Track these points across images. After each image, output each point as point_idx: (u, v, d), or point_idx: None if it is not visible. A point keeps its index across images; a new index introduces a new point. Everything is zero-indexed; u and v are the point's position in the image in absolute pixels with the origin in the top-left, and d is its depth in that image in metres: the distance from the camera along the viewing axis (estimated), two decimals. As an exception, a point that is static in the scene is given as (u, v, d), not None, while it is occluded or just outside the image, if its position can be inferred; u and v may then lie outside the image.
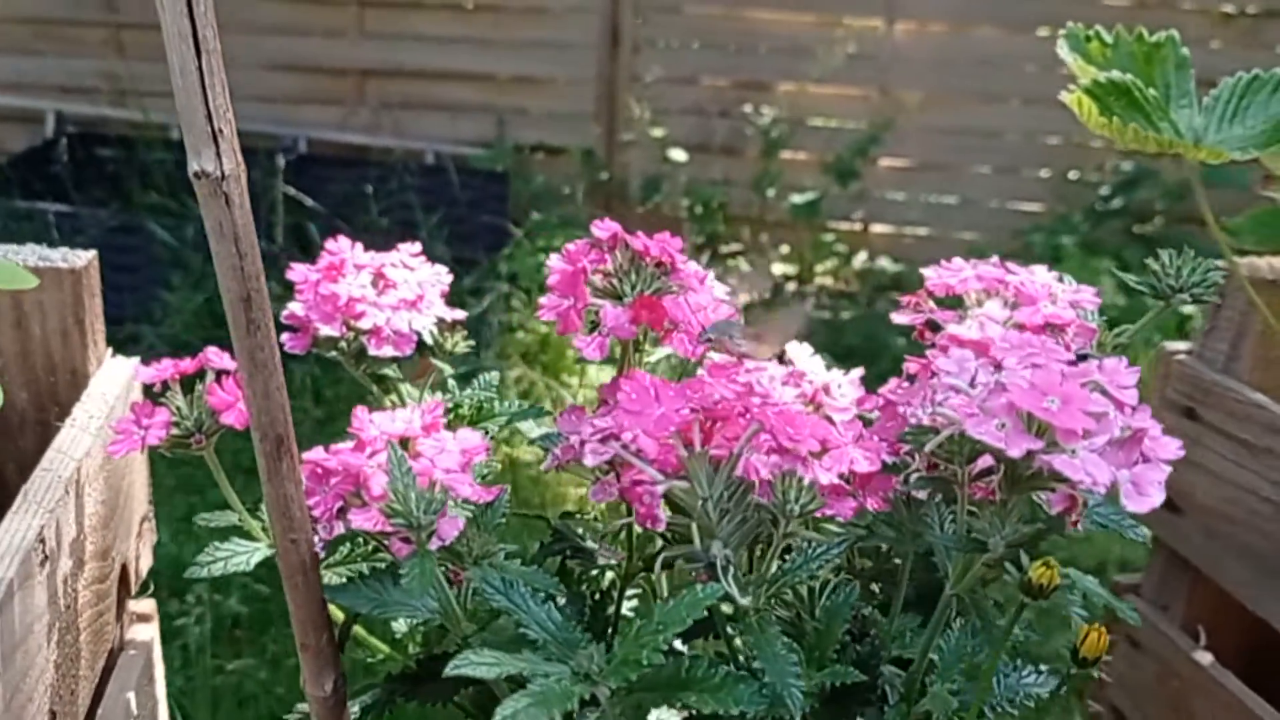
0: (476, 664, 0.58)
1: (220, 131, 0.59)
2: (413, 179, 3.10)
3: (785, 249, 3.55)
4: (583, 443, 0.70)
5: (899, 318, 0.76)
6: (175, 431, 0.71)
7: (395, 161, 3.34)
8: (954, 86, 3.50)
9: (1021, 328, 0.71)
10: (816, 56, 3.43)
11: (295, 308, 0.85)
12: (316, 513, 0.68)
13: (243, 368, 0.63)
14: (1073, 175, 3.48)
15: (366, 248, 0.87)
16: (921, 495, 0.69)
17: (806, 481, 0.61)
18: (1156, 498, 0.56)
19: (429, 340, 0.87)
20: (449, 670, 0.58)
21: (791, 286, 3.50)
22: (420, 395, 0.90)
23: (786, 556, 0.66)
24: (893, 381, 0.79)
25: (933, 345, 0.75)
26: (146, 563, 0.90)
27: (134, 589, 0.87)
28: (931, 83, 3.49)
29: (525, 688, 0.58)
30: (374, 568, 0.73)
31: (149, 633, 0.91)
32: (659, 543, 0.85)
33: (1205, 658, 0.97)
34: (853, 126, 3.50)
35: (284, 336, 0.87)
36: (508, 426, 0.89)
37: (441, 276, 0.89)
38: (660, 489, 0.60)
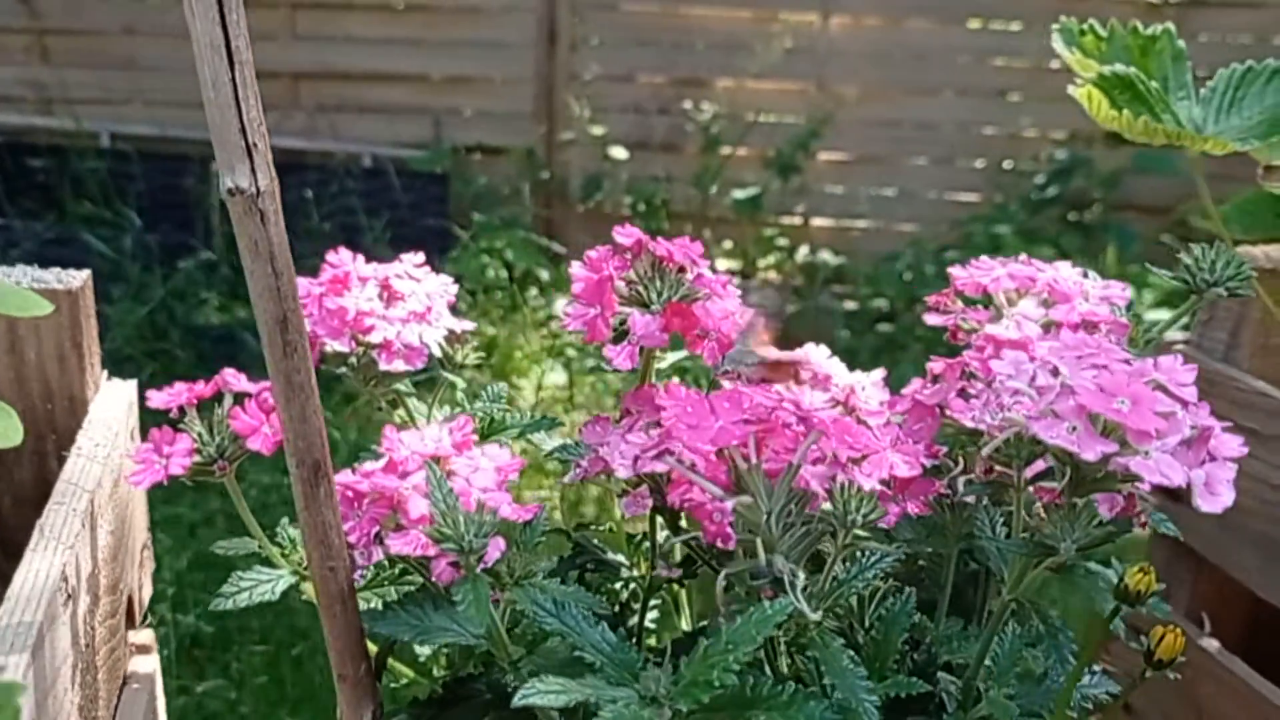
0: (545, 692, 0.56)
1: (255, 146, 0.57)
2: (354, 183, 3.05)
3: (728, 244, 3.55)
4: (624, 455, 0.68)
5: (931, 319, 0.76)
6: (197, 459, 0.68)
7: (334, 165, 3.28)
8: (889, 79, 3.53)
9: (1058, 326, 0.71)
10: (754, 52, 3.44)
11: (300, 323, 0.82)
12: (352, 539, 0.66)
13: (278, 391, 0.60)
14: (1007, 165, 3.53)
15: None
16: (969, 499, 0.68)
17: (866, 490, 0.60)
18: (1228, 496, 0.56)
19: (438, 353, 0.85)
20: (517, 700, 0.56)
21: (736, 282, 3.50)
22: (429, 410, 0.88)
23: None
24: (916, 382, 0.78)
25: (966, 346, 0.75)
26: (148, 591, 0.86)
27: (138, 620, 0.84)
28: (867, 76, 3.51)
29: (584, 712, 0.57)
30: (408, 593, 0.71)
31: (150, 664, 0.87)
32: (678, 554, 0.85)
33: (1212, 643, 0.98)
34: (791, 121, 3.51)
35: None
36: (520, 438, 0.87)
37: (448, 287, 0.87)
38: (729, 505, 0.58)
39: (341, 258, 0.86)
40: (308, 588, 0.75)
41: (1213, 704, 0.98)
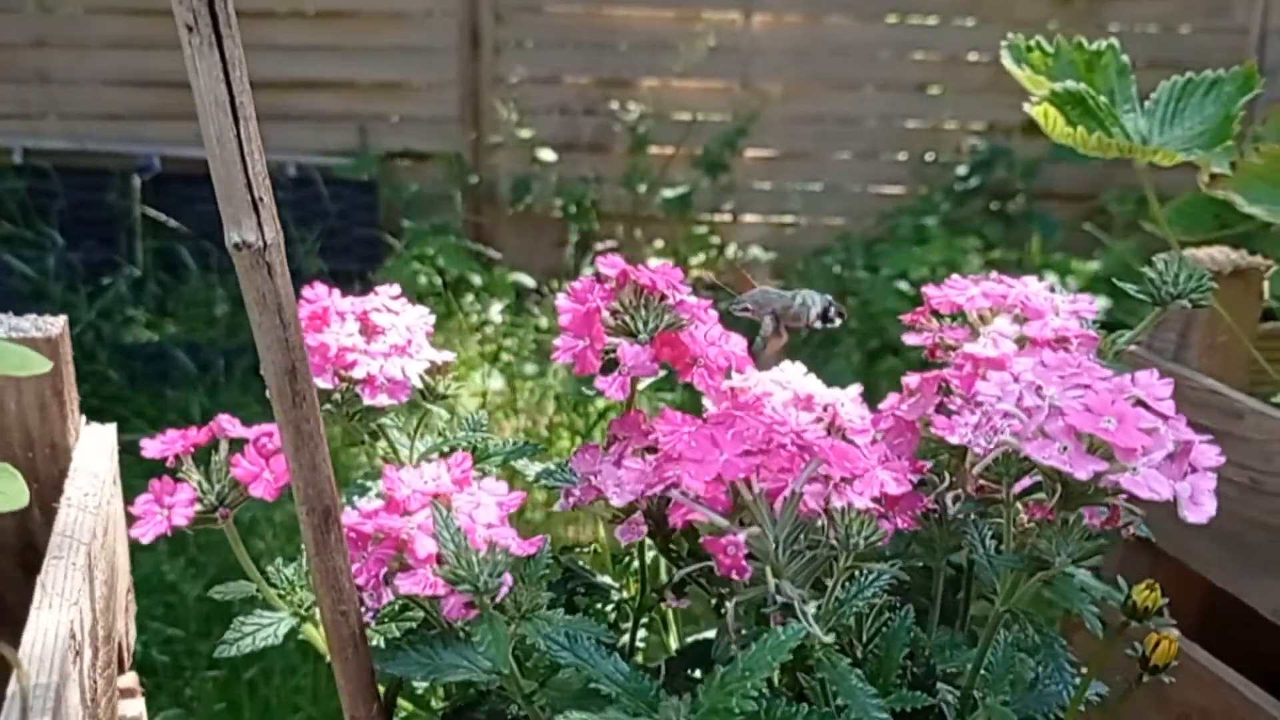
0: (571, 726, 0.57)
1: (260, 200, 0.57)
2: (282, 193, 3.01)
3: (660, 243, 3.57)
4: (621, 483, 0.70)
5: (911, 339, 0.78)
6: (198, 508, 0.68)
7: (259, 176, 3.23)
8: (812, 76, 3.58)
9: (1032, 342, 0.74)
10: (678, 51, 3.46)
11: (280, 361, 0.82)
12: (360, 580, 0.66)
13: (288, 440, 0.61)
14: (929, 157, 3.59)
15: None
16: (958, 514, 0.71)
17: (862, 512, 0.62)
18: (1211, 506, 0.59)
19: (419, 384, 0.85)
20: (546, 737, 0.57)
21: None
22: (412, 443, 0.88)
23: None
24: (893, 397, 0.81)
25: (944, 364, 0.77)
26: (133, 635, 0.86)
27: (126, 665, 0.83)
28: (790, 73, 3.55)
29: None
30: (415, 631, 0.72)
31: (137, 708, 0.87)
32: (664, 576, 0.87)
33: (1173, 632, 1.02)
34: (718, 119, 3.54)
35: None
36: (504, 465, 0.88)
37: (425, 318, 0.87)
38: (741, 539, 0.60)
39: (318, 293, 0.86)
40: (309, 630, 0.75)
41: (1174, 689, 1.02)
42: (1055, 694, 0.68)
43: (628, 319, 0.77)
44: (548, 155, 3.49)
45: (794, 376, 0.83)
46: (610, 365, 0.76)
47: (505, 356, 2.99)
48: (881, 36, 3.54)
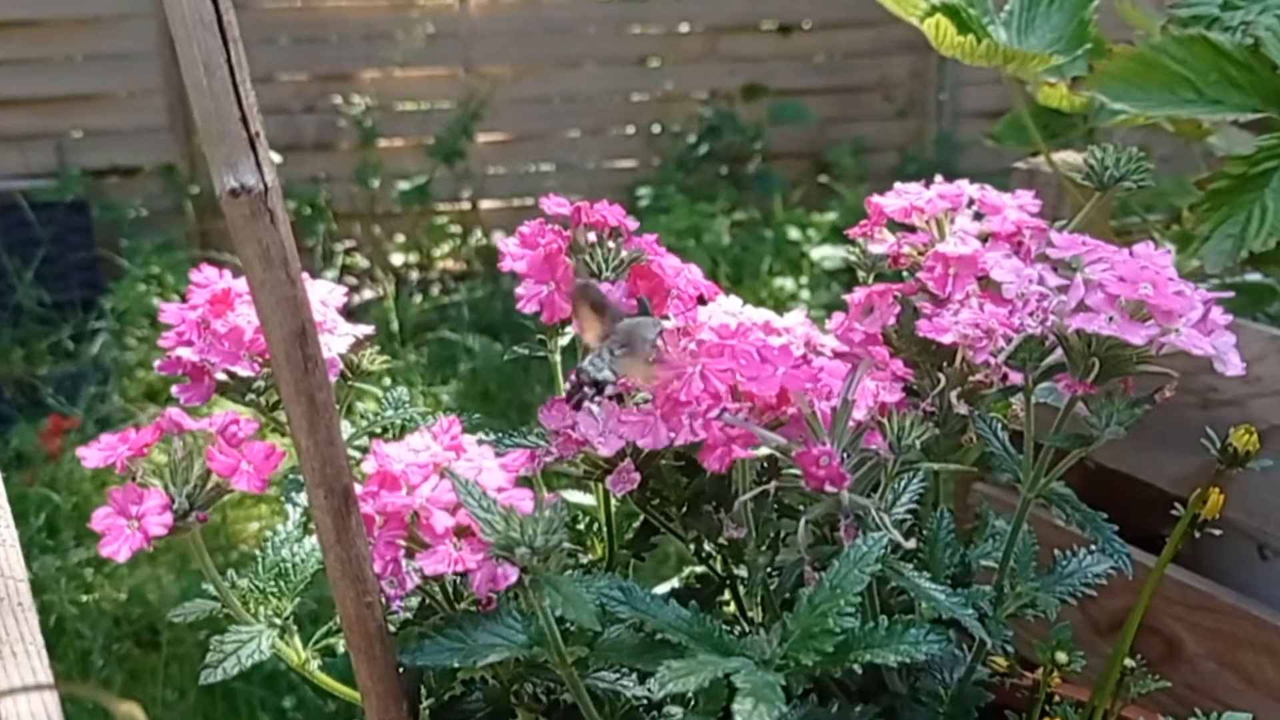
0: (678, 676, 0.53)
1: (257, 136, 0.49)
2: (-14, 221, 2.72)
3: (401, 238, 3.46)
4: (611, 431, 0.66)
5: (875, 249, 0.77)
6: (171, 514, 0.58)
7: (-47, 206, 2.91)
8: (534, 56, 3.55)
9: (994, 236, 0.74)
10: (396, 40, 3.35)
11: (184, 353, 0.73)
12: (377, 568, 0.59)
13: (299, 415, 0.53)
14: (656, 129, 3.64)
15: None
16: (961, 411, 0.70)
17: (914, 418, 0.61)
18: (1239, 362, 0.61)
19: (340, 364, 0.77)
20: (660, 692, 0.52)
21: (415, 275, 3.42)
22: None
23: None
24: (839, 316, 0.79)
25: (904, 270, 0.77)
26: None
27: None
28: (512, 55, 3.51)
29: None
30: (406, 621, 0.65)
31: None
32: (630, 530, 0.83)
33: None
34: (445, 107, 3.46)
35: (174, 389, 0.75)
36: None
37: (335, 292, 0.80)
38: (831, 447, 0.57)
39: (209, 275, 0.77)
40: (281, 645, 0.67)
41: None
42: (1078, 574, 0.69)
43: (588, 258, 0.72)
44: (271, 157, 3.30)
45: (736, 307, 0.80)
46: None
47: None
48: (597, 12, 3.55)
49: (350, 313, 0.80)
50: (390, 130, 3.43)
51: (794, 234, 3.22)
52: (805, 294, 3.09)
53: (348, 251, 3.34)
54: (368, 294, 3.30)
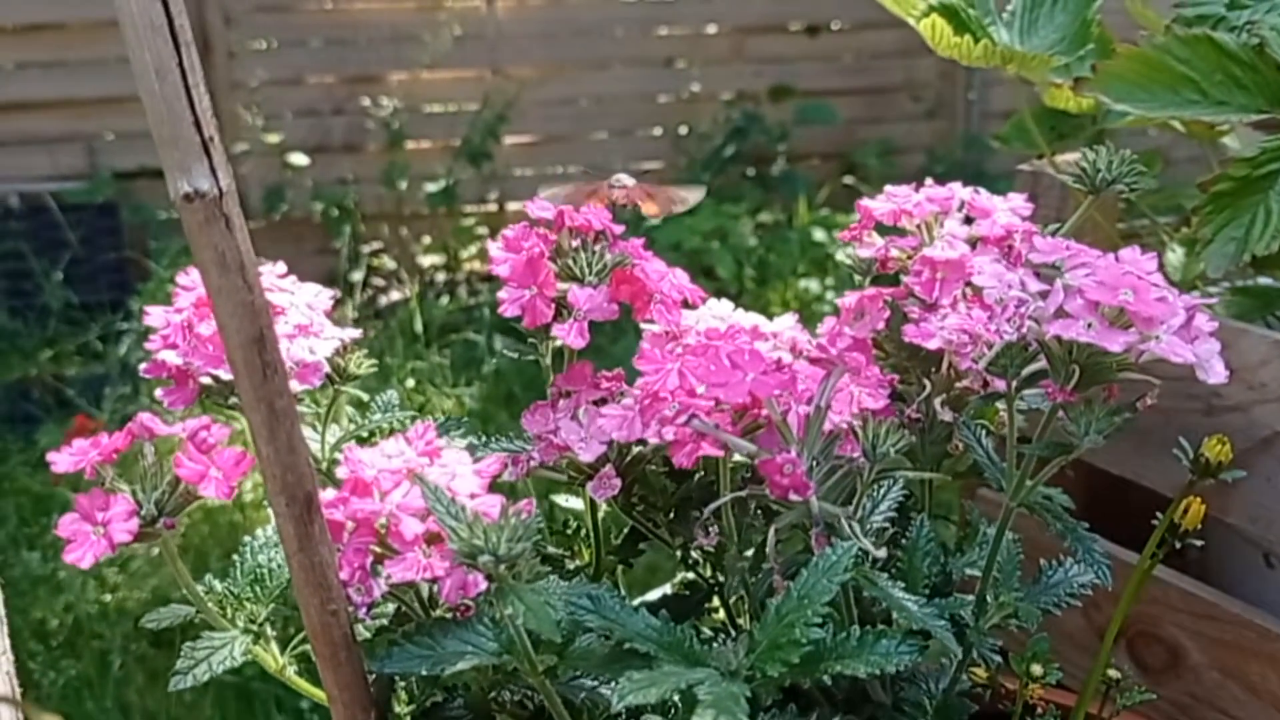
0: (638, 689, 0.52)
1: (211, 140, 0.49)
2: (16, 224, 2.75)
3: (428, 240, 3.47)
4: (592, 435, 0.65)
5: (863, 253, 0.76)
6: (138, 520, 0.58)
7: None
8: (560, 58, 3.55)
9: (984, 240, 0.73)
10: (423, 42, 3.36)
11: (168, 356, 0.73)
12: (343, 575, 0.59)
13: (259, 422, 0.53)
14: (683, 130, 3.63)
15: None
16: (945, 419, 0.69)
17: (889, 424, 0.60)
18: (1222, 369, 0.60)
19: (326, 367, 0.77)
20: (618, 705, 0.51)
21: (442, 276, 3.43)
22: (323, 427, 0.80)
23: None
24: (830, 320, 0.78)
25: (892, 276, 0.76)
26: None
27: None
28: (539, 57, 3.52)
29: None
30: (382, 628, 0.64)
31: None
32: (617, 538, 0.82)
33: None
34: (472, 108, 3.47)
35: (158, 392, 0.75)
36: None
37: (322, 295, 0.80)
38: (795, 455, 0.56)
39: (195, 278, 0.77)
40: (257, 650, 0.67)
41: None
42: (1064, 584, 0.68)
43: (570, 263, 0.71)
44: (299, 159, 3.33)
45: (726, 311, 0.80)
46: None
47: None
48: (623, 14, 3.55)
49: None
50: (418, 132, 3.45)
51: (820, 235, 3.20)
52: (831, 295, 3.07)
53: (375, 253, 3.36)
54: (395, 295, 3.31)
